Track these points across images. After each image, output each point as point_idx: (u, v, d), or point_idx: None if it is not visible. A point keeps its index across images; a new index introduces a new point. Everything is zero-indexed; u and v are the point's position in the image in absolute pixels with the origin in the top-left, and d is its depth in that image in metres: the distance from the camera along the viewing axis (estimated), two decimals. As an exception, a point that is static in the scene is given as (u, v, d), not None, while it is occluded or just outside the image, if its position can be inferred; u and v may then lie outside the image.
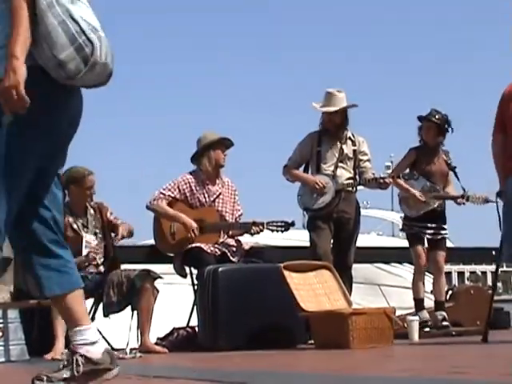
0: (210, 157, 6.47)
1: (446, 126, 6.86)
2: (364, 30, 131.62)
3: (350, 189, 6.61)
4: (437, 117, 6.83)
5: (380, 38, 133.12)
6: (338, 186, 6.55)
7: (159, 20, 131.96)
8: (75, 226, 5.97)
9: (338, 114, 6.60)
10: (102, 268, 5.98)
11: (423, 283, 6.91)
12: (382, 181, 6.56)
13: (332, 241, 6.61)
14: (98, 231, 6.01)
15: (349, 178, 6.63)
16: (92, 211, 6.08)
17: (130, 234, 6.10)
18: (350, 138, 6.69)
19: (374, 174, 6.72)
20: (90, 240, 5.94)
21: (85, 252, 5.90)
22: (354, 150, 6.69)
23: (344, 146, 6.65)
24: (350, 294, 6.34)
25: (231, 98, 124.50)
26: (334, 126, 6.63)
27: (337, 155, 6.63)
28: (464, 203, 6.81)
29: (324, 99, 6.64)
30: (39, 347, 5.55)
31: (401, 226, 7.24)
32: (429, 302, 7.14)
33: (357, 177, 6.68)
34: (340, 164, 6.62)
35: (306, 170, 6.75)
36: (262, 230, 6.38)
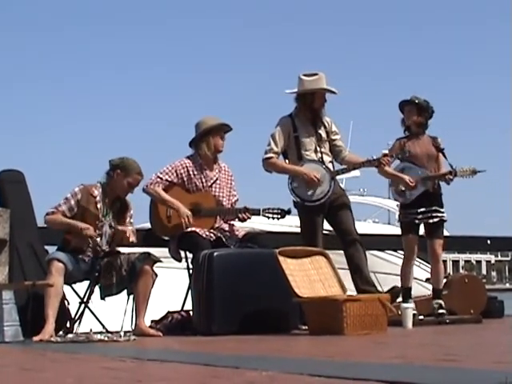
0: (209, 142, 6.44)
1: (426, 108, 6.94)
2: (370, 16, 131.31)
3: (347, 174, 6.63)
4: (416, 101, 6.93)
5: (379, 21, 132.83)
6: (333, 174, 6.54)
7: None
8: (99, 206, 5.97)
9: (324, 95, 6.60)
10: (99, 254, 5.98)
11: (411, 272, 6.94)
12: (376, 163, 6.55)
13: (332, 223, 6.59)
14: (113, 223, 5.99)
15: (330, 162, 6.63)
16: (119, 204, 6.06)
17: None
18: (321, 121, 6.67)
19: (349, 151, 6.73)
20: (107, 230, 5.96)
21: (103, 242, 5.93)
22: (327, 132, 6.67)
23: (319, 130, 6.63)
24: (367, 266, 6.45)
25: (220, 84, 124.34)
26: (322, 108, 6.62)
27: (314, 139, 6.60)
28: (452, 179, 6.80)
29: (312, 81, 6.52)
30: (33, 328, 5.55)
31: (397, 217, 7.25)
32: (420, 289, 7.15)
33: (332, 158, 6.67)
34: (321, 149, 6.60)
35: (285, 158, 6.67)
36: (249, 218, 6.35)
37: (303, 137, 6.57)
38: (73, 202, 5.94)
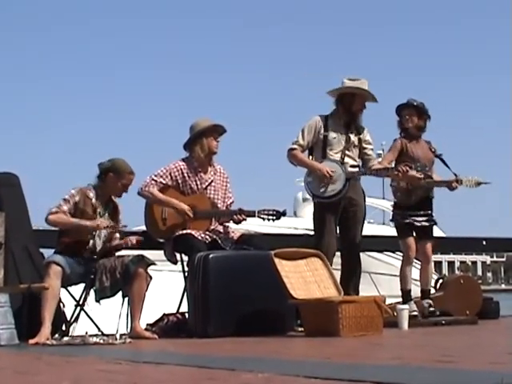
0: (203, 144, 6.44)
1: (425, 111, 6.96)
2: (361, 17, 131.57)
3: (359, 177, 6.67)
4: (415, 103, 6.97)
5: (378, 21, 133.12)
6: (348, 175, 6.55)
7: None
8: (96, 207, 5.99)
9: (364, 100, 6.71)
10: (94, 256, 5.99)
11: (411, 274, 6.95)
12: (392, 172, 6.58)
13: (339, 228, 6.64)
14: (109, 224, 5.99)
15: (353, 166, 6.65)
16: (112, 206, 6.11)
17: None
18: (355, 126, 6.71)
19: (378, 161, 6.79)
20: (103, 231, 5.99)
21: (97, 242, 5.97)
22: (360, 139, 6.71)
23: (350, 134, 6.67)
24: (359, 281, 6.44)
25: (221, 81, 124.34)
26: (360, 112, 6.69)
27: (343, 142, 6.66)
28: (457, 187, 6.83)
29: (355, 84, 6.65)
30: (29, 331, 5.54)
31: (391, 217, 7.21)
32: (414, 288, 7.15)
33: (360, 165, 6.71)
34: (346, 152, 6.64)
35: (310, 155, 6.73)
36: (244, 219, 6.36)
37: (332, 137, 6.64)
38: (71, 203, 5.95)
